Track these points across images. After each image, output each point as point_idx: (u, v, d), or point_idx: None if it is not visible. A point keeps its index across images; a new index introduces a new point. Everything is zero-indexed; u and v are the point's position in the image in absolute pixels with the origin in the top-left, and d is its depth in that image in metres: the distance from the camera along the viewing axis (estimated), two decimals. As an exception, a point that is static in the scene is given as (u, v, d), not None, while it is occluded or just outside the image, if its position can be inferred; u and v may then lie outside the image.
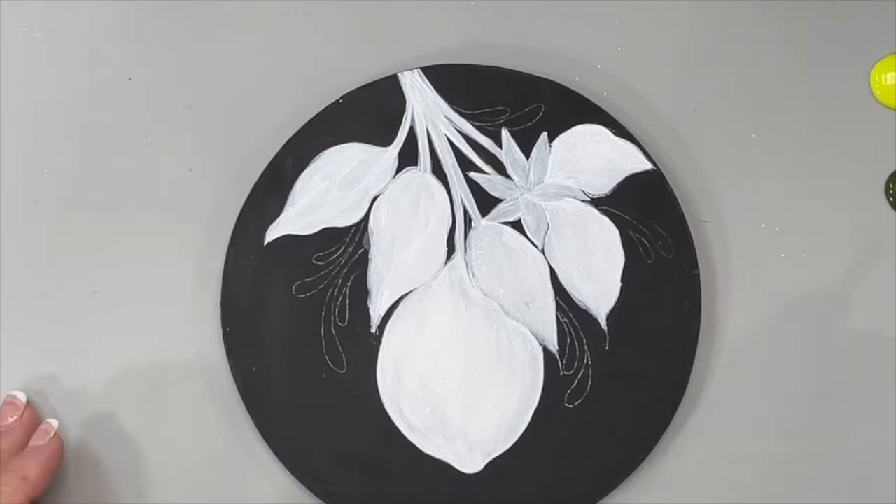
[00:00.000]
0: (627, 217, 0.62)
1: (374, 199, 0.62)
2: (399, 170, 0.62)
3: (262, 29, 0.64)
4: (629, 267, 0.61)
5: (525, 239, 0.62)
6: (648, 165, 0.62)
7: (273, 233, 0.61)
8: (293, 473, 0.59)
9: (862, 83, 0.65)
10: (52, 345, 0.61)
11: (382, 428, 0.60)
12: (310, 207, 0.62)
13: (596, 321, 0.61)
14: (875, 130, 0.64)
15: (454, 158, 0.62)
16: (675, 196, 0.62)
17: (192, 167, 0.63)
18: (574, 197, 0.62)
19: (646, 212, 0.61)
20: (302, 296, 0.61)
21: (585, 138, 0.62)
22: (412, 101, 0.63)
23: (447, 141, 0.62)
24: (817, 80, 0.65)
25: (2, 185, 0.63)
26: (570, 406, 0.60)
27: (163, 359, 0.61)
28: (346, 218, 0.62)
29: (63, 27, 0.64)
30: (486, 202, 0.62)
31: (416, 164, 0.62)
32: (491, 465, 0.60)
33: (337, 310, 0.61)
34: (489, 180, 0.62)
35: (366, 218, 0.62)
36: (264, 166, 0.62)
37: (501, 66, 0.63)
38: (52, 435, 0.58)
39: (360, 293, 0.61)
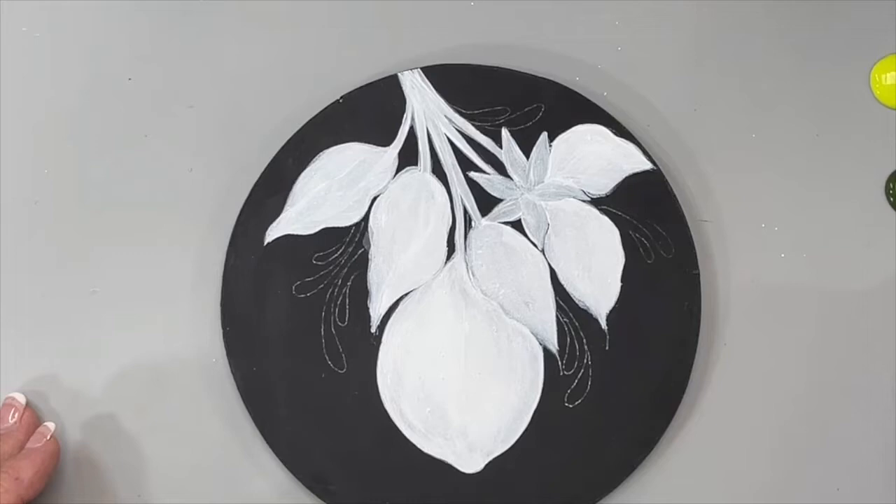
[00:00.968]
0: (627, 217, 0.61)
1: (374, 198, 0.62)
2: (399, 170, 0.62)
3: (262, 29, 0.64)
4: (629, 267, 0.61)
5: (525, 239, 0.62)
6: (648, 165, 0.62)
7: (273, 233, 0.61)
8: (293, 473, 0.59)
9: (862, 83, 0.65)
10: (52, 345, 0.61)
11: (382, 428, 0.60)
12: (310, 207, 0.61)
13: (596, 321, 0.61)
14: (875, 130, 0.64)
15: (454, 158, 0.62)
16: (675, 196, 0.62)
17: (192, 167, 0.63)
18: (574, 197, 0.62)
19: (646, 212, 0.61)
20: (302, 296, 0.61)
21: (585, 138, 0.62)
22: (412, 101, 0.63)
23: (447, 141, 0.62)
24: (817, 80, 0.65)
25: (2, 185, 0.63)
26: (570, 406, 0.60)
27: (163, 359, 0.61)
28: (346, 218, 0.62)
29: (63, 27, 0.64)
30: (486, 202, 0.62)
31: (416, 163, 0.62)
32: (491, 465, 0.60)
33: (337, 310, 0.61)
34: (489, 180, 0.62)
35: (366, 218, 0.62)
36: (264, 166, 0.62)
37: (501, 66, 0.63)
38: (48, 437, 0.58)
39: (360, 293, 0.61)
